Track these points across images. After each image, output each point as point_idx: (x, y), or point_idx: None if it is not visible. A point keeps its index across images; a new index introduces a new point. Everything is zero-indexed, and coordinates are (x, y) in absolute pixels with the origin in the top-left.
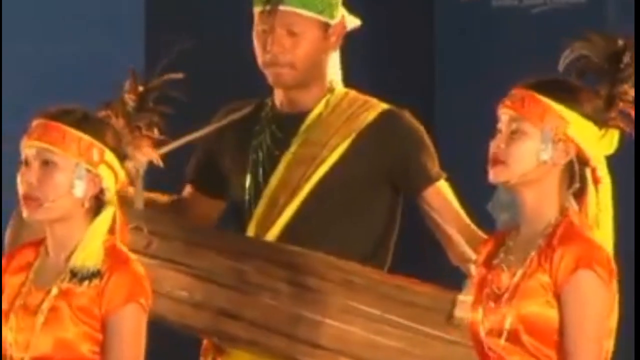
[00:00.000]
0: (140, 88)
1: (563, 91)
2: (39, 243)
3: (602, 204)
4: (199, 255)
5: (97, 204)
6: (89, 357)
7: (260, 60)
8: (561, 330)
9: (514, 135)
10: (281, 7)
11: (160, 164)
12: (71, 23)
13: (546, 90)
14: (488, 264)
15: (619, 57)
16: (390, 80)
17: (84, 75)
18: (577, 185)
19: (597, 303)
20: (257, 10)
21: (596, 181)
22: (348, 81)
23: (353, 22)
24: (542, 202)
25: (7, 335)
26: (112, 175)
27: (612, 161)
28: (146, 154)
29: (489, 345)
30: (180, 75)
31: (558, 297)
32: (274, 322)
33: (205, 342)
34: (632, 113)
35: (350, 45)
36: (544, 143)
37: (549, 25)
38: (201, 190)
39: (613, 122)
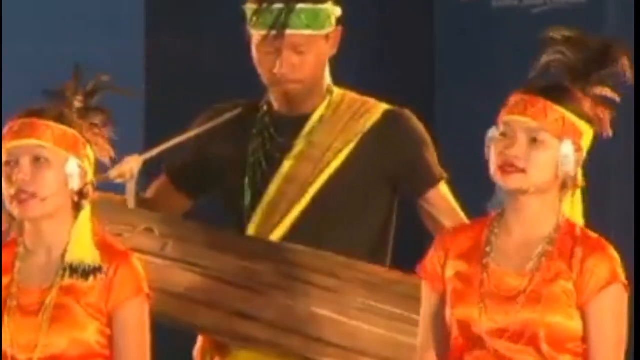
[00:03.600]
0: (82, 89)
1: (574, 101)
2: (12, 244)
3: (576, 205)
4: (214, 256)
5: (79, 198)
6: (99, 352)
7: (266, 79)
8: (592, 342)
9: (535, 144)
10: (288, 31)
11: (110, 157)
12: (71, 23)
13: (563, 101)
14: (469, 258)
15: (599, 58)
16: (390, 80)
17: (84, 75)
18: (579, 189)
19: (625, 315)
20: (259, 33)
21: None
22: (348, 81)
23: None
24: (545, 208)
25: (6, 336)
26: (92, 169)
27: (613, 161)
28: (103, 151)
29: (493, 344)
30: (128, 91)
31: (581, 307)
32: (291, 322)
33: (201, 342)
34: (605, 116)
35: (351, 45)
36: (567, 157)
37: (549, 25)
38: (177, 186)
39: (597, 124)
